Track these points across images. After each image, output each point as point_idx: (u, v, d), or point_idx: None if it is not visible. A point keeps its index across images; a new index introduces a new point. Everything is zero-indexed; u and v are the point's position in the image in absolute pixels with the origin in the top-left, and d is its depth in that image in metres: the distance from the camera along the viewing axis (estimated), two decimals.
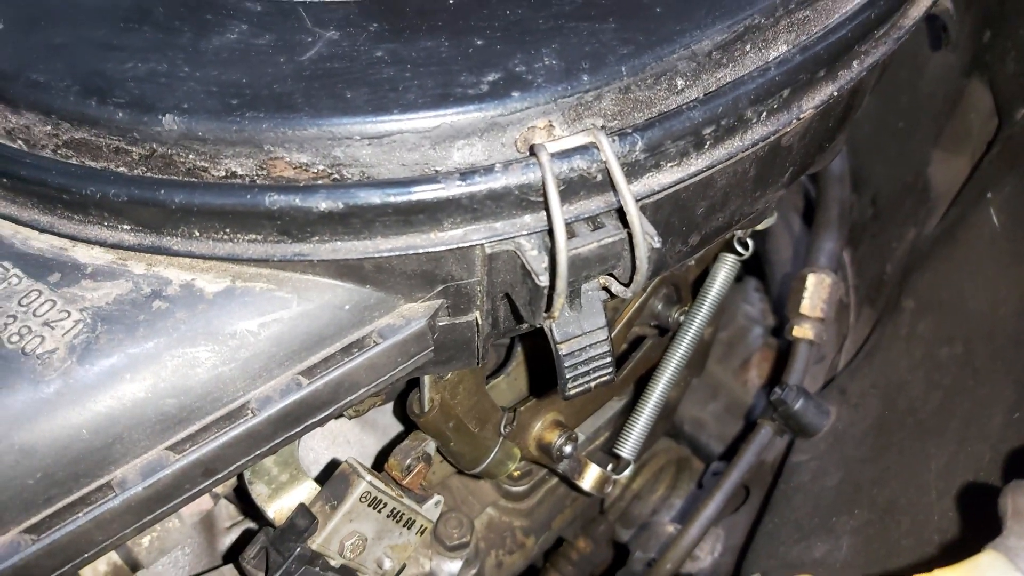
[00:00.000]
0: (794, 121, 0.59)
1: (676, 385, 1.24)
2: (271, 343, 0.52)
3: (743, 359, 1.54)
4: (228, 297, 0.52)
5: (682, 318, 0.96)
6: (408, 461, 0.77)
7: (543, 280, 0.51)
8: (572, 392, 0.61)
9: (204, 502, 0.82)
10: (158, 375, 0.49)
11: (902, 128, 1.26)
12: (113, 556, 0.77)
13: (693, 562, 1.16)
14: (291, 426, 0.54)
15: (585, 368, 0.60)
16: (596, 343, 0.59)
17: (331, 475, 0.75)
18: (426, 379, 0.75)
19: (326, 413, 0.55)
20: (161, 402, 0.49)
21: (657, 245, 0.53)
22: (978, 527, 0.77)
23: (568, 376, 0.60)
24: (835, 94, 0.61)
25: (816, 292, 1.14)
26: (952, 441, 0.87)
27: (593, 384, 0.61)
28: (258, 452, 0.53)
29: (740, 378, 1.53)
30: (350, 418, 0.74)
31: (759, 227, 0.93)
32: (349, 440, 0.92)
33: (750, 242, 0.94)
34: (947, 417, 0.90)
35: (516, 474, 1.04)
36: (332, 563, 0.72)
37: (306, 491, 0.74)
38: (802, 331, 1.14)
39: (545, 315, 0.55)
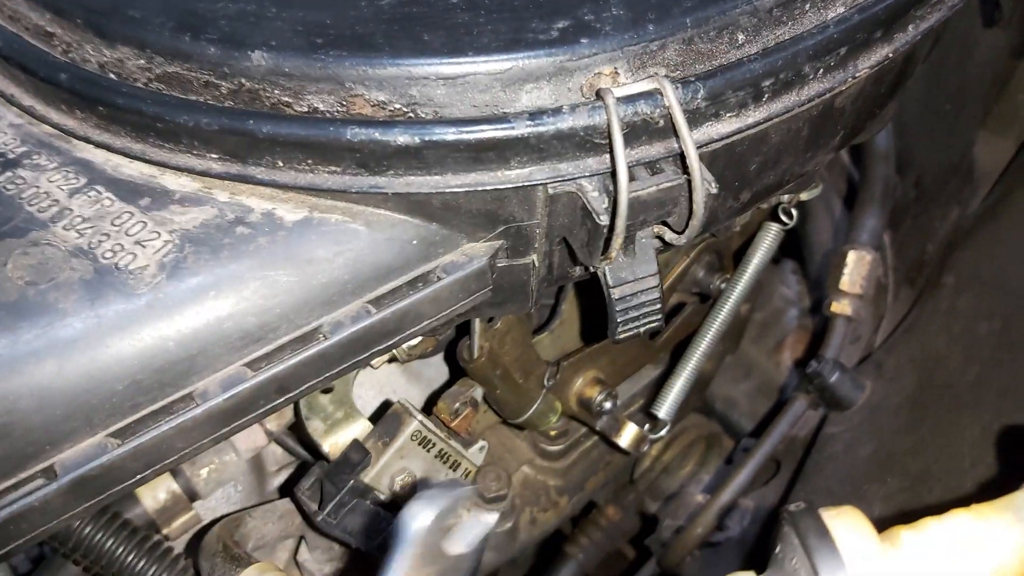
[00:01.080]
0: (849, 80, 0.61)
1: (711, 358, 1.26)
2: (344, 272, 0.55)
3: (777, 340, 1.55)
4: (306, 226, 0.55)
5: (723, 285, 0.98)
6: (456, 405, 0.80)
7: (603, 220, 0.54)
8: (622, 336, 0.63)
9: (259, 439, 0.86)
10: (240, 295, 0.52)
11: (949, 110, 1.26)
12: (173, 485, 0.81)
13: (722, 532, 1.18)
14: (359, 352, 0.57)
15: (635, 313, 0.62)
16: (647, 289, 0.62)
17: (383, 416, 0.78)
18: (476, 327, 0.78)
19: (391, 342, 0.58)
20: (242, 320, 0.53)
21: (714, 191, 0.55)
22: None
23: (619, 320, 0.62)
24: (890, 56, 0.63)
25: (856, 268, 1.16)
26: (987, 413, 0.88)
27: (642, 329, 0.64)
28: (328, 374, 0.57)
29: (774, 359, 1.54)
30: (403, 361, 0.77)
31: (804, 196, 0.95)
32: (396, 390, 0.96)
33: (794, 212, 0.95)
34: (983, 390, 0.91)
35: (553, 433, 1.07)
36: (382, 497, 0.76)
37: (359, 428, 0.78)
38: (840, 307, 1.15)
39: (601, 258, 0.58)
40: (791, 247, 1.57)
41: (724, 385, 1.52)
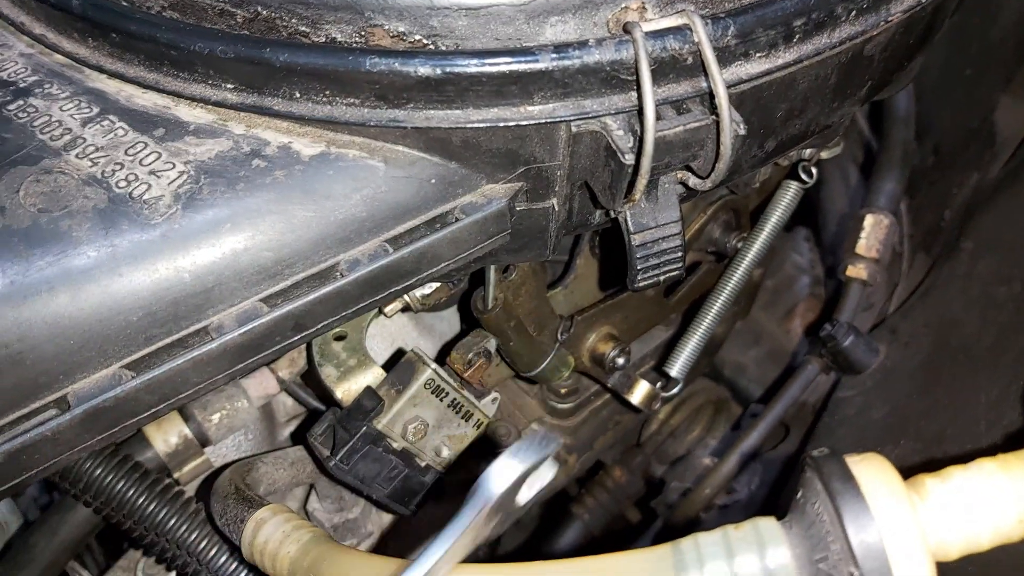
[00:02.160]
0: (881, 24, 0.59)
1: (723, 321, 1.25)
2: (361, 209, 0.54)
3: (788, 307, 1.54)
4: (323, 161, 0.54)
5: (740, 244, 0.97)
6: (470, 355, 0.79)
7: (628, 159, 0.52)
8: (642, 284, 0.62)
9: (270, 386, 0.85)
10: (256, 228, 0.51)
11: (970, 75, 1.24)
12: (185, 430, 0.81)
13: (729, 495, 1.18)
14: (376, 291, 0.56)
15: (656, 260, 0.61)
16: (669, 236, 0.61)
17: (396, 364, 0.77)
18: (492, 277, 0.77)
19: (408, 283, 0.57)
20: (258, 254, 0.52)
21: (743, 132, 0.54)
22: None
23: (639, 267, 0.61)
24: (922, 2, 0.61)
25: (873, 232, 1.14)
26: (1005, 375, 0.87)
27: (662, 278, 0.63)
28: (344, 313, 0.56)
29: (784, 326, 1.53)
30: (416, 311, 0.77)
31: (825, 155, 0.93)
32: (407, 343, 0.95)
33: (814, 171, 0.94)
34: (1000, 352, 0.90)
35: (563, 391, 1.06)
36: (395, 445, 0.75)
37: (372, 376, 0.77)
38: (856, 271, 1.14)
39: (624, 201, 0.57)
40: (805, 214, 1.55)
41: (733, 351, 1.51)
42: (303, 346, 0.88)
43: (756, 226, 0.97)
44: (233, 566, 0.72)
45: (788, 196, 0.96)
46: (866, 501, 0.45)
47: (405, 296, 0.79)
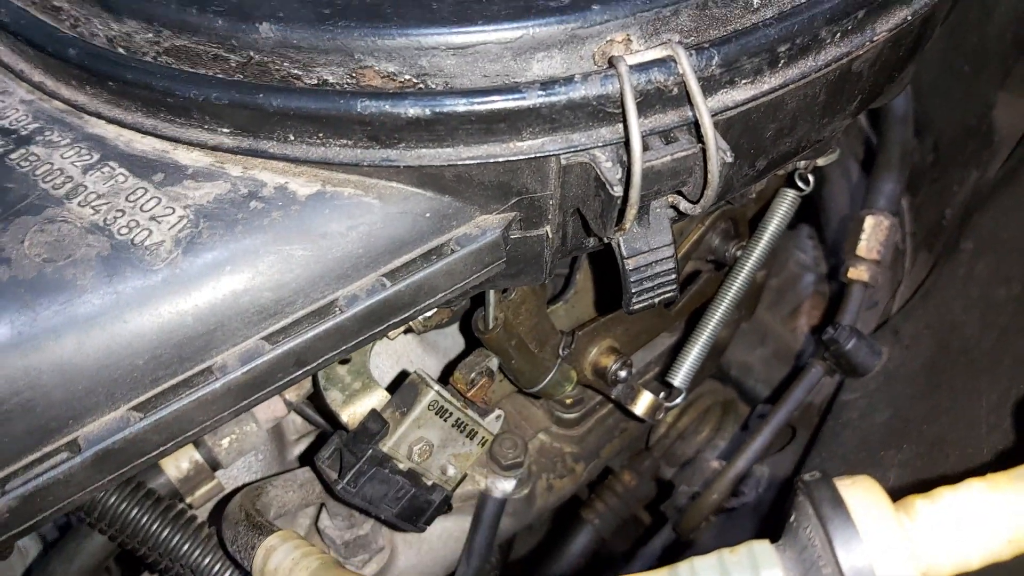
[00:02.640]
0: (867, 43, 0.60)
1: (727, 324, 1.25)
2: (358, 245, 0.55)
3: (793, 306, 1.55)
4: (319, 200, 0.55)
5: (739, 253, 0.98)
6: (472, 375, 0.80)
7: (617, 191, 0.53)
8: (636, 307, 0.63)
9: (278, 409, 0.87)
10: (256, 269, 0.53)
11: (968, 71, 1.24)
12: (195, 455, 0.82)
13: (737, 498, 1.18)
14: (374, 324, 0.57)
15: (650, 284, 0.62)
16: (662, 259, 0.61)
17: (400, 386, 0.79)
18: (491, 298, 0.78)
19: (406, 314, 0.59)
20: (258, 295, 0.53)
21: (729, 160, 0.54)
22: None
23: (633, 291, 0.62)
24: (908, 19, 0.62)
25: (873, 234, 1.15)
26: (1005, 378, 0.87)
27: (657, 300, 0.64)
28: (344, 347, 0.57)
29: (789, 325, 1.54)
30: (419, 333, 0.78)
31: (820, 162, 0.94)
32: (412, 361, 0.96)
33: (811, 178, 0.94)
34: (1001, 355, 0.90)
35: (568, 401, 1.07)
36: (400, 466, 0.76)
37: (377, 399, 0.78)
38: (857, 272, 1.15)
39: (615, 228, 0.58)
40: (808, 212, 1.56)
41: (739, 351, 1.52)
42: None
43: (754, 235, 0.98)
44: None
45: (785, 204, 0.97)
46: (855, 525, 0.45)
47: None
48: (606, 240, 0.61)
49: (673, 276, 0.62)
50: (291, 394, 0.87)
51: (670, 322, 1.01)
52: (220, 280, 0.52)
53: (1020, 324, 0.90)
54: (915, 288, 1.18)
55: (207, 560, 0.74)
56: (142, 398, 0.52)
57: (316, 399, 0.83)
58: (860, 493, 0.47)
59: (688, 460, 1.35)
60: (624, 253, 0.60)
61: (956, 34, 1.22)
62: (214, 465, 0.84)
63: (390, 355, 0.96)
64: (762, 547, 0.49)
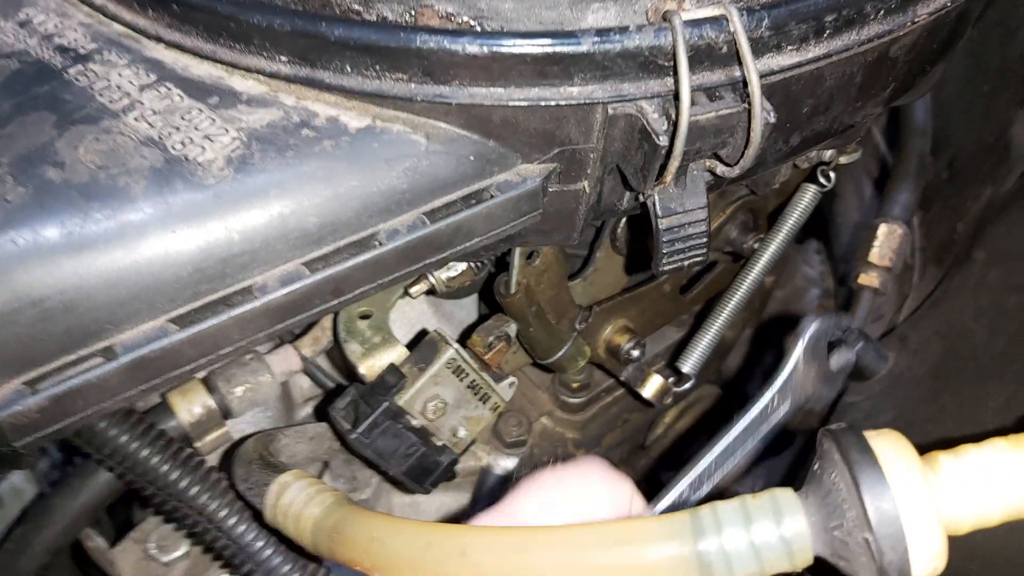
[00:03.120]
0: (908, 24, 0.61)
1: (734, 325, 1.26)
2: (402, 181, 0.56)
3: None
4: (369, 134, 0.56)
5: (757, 245, 0.99)
6: (491, 338, 0.81)
7: (663, 140, 0.54)
8: (666, 268, 0.64)
9: (293, 363, 0.87)
10: (303, 194, 0.54)
11: (988, 90, 1.26)
12: (209, 401, 0.83)
13: None
14: (411, 261, 0.58)
15: (682, 245, 0.63)
16: (695, 222, 0.63)
17: (419, 344, 0.79)
18: (516, 261, 0.79)
19: (442, 255, 0.59)
20: (304, 220, 0.54)
21: (772, 120, 0.56)
22: None
23: (664, 251, 0.63)
24: (948, 5, 0.63)
25: (886, 242, 1.16)
26: (1012, 382, 0.89)
27: (687, 263, 0.65)
28: (380, 281, 0.58)
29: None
30: (441, 294, 0.79)
31: (843, 160, 0.95)
32: (429, 328, 0.97)
33: (832, 175, 0.96)
34: (1009, 360, 0.92)
35: (575, 385, 1.08)
36: (414, 422, 0.77)
37: (396, 354, 0.79)
38: (868, 279, 1.16)
39: (655, 183, 0.59)
40: (817, 227, 1.57)
41: (740, 358, 1.53)
42: (327, 325, 0.90)
43: (774, 227, 0.99)
44: (252, 534, 0.73)
45: (806, 199, 0.98)
46: (882, 471, 0.46)
47: (431, 277, 0.81)
48: (642, 198, 0.62)
49: (704, 239, 0.63)
50: (307, 349, 0.88)
51: (684, 308, 1.02)
52: (268, 201, 0.53)
53: None
54: (921, 301, 1.19)
55: (216, 502, 0.73)
56: (181, 311, 0.53)
57: (335, 352, 0.84)
58: (888, 442, 0.48)
59: (685, 462, 1.35)
60: (659, 212, 0.61)
61: (978, 55, 1.24)
62: (226, 413, 0.84)
63: (405, 323, 0.96)
64: (784, 493, 0.50)
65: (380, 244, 0.56)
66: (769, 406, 0.72)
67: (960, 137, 1.27)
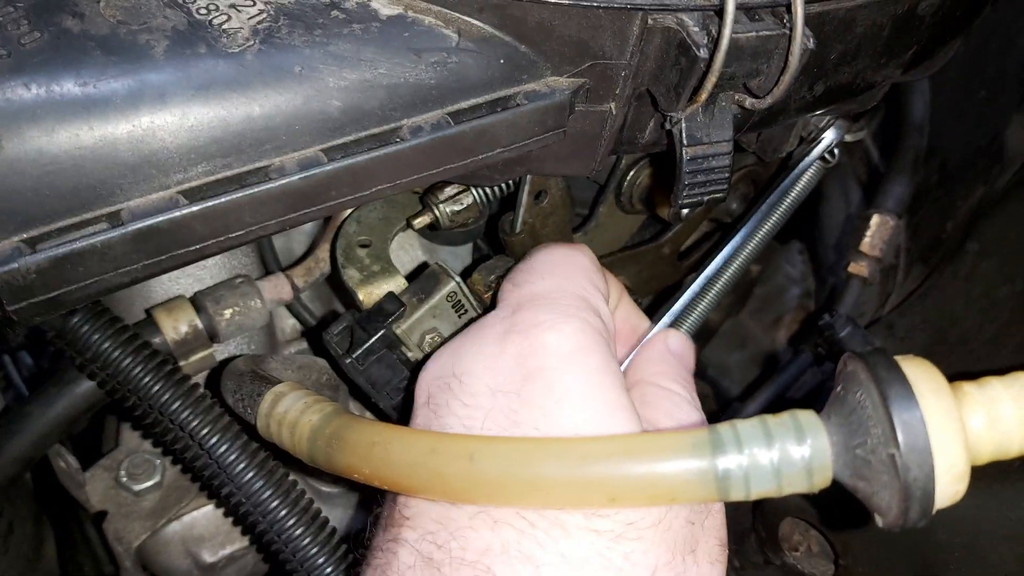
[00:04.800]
0: None
1: (719, 308, 1.26)
2: (430, 75, 0.54)
3: (776, 316, 1.56)
4: (399, 22, 0.54)
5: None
6: (492, 277, 0.79)
7: (703, 53, 0.53)
8: (686, 201, 0.63)
9: (284, 292, 0.85)
10: (328, 76, 0.52)
11: (983, 96, 1.27)
12: (196, 320, 0.80)
13: None
14: (431, 163, 0.56)
15: (703, 178, 0.62)
16: (719, 155, 0.62)
17: (420, 275, 0.77)
18: (524, 200, 0.78)
19: (463, 161, 0.58)
20: (327, 104, 0.52)
21: (811, 46, 0.55)
22: None
23: (686, 182, 0.62)
24: None
25: (878, 232, 1.17)
26: (1004, 365, 0.89)
27: (706, 197, 0.64)
28: (399, 180, 0.56)
29: (770, 334, 1.55)
30: (445, 228, 0.77)
31: (848, 137, 0.95)
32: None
33: (837, 151, 0.96)
34: (1000, 346, 0.92)
35: None
36: (409, 355, 0.75)
37: (395, 284, 0.77)
38: (858, 268, 1.17)
39: (688, 102, 0.58)
40: (801, 228, 1.58)
41: (719, 352, 1.53)
42: (321, 256, 0.87)
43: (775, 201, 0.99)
44: (235, 453, 0.71)
45: (809, 173, 0.98)
46: (912, 389, 0.45)
47: (435, 210, 0.79)
48: (668, 126, 0.61)
49: (726, 175, 0.62)
50: (299, 278, 0.85)
51: (681, 273, 1.01)
52: (292, 79, 0.51)
53: (1020, 318, 0.92)
54: (904, 299, 1.20)
55: (199, 419, 0.71)
56: (194, 183, 0.50)
57: (333, 279, 0.82)
58: (916, 364, 0.47)
59: None
60: (685, 140, 0.60)
61: (976, 61, 1.26)
62: (212, 334, 0.81)
63: (398, 266, 0.94)
64: (806, 414, 0.49)
65: (402, 139, 0.54)
66: None
67: (953, 142, 1.29)
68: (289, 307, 0.92)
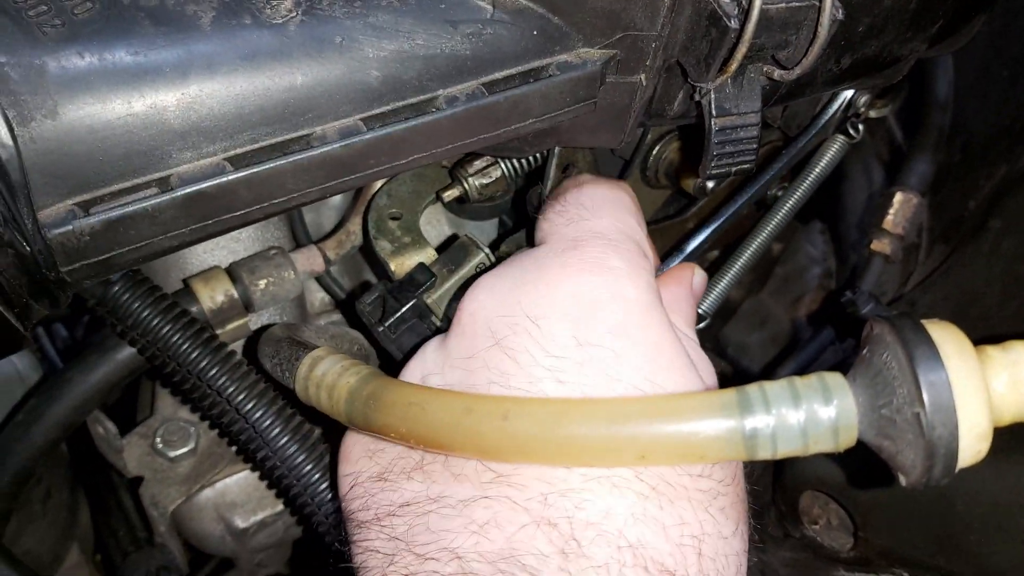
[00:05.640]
0: None
1: (740, 286, 1.27)
2: (466, 46, 0.56)
3: (797, 296, 1.57)
4: None
5: (780, 193, 0.99)
6: (520, 250, 0.81)
7: (734, 23, 0.54)
8: (714, 172, 0.64)
9: (316, 263, 0.87)
10: (368, 46, 0.53)
11: (1007, 76, 1.27)
12: (232, 290, 0.82)
13: None
14: (467, 133, 0.58)
15: (732, 149, 0.63)
16: (748, 126, 0.63)
17: (449, 247, 0.79)
18: (552, 172, 0.79)
19: (497, 132, 0.59)
20: (367, 73, 0.53)
21: (841, 16, 0.56)
22: None
23: (715, 153, 0.63)
24: None
25: (901, 210, 1.18)
26: None
27: (734, 169, 0.65)
28: (435, 149, 0.57)
29: (790, 313, 1.56)
30: (473, 200, 0.78)
31: (873, 114, 0.96)
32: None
33: (861, 127, 0.97)
34: (1021, 322, 0.93)
35: None
36: (439, 324, 0.76)
37: (426, 255, 0.79)
38: (880, 245, 1.17)
39: (718, 73, 0.59)
40: (822, 209, 1.59)
41: (739, 331, 1.54)
42: (353, 229, 0.89)
43: (798, 176, 1.00)
44: (270, 419, 0.73)
45: (833, 149, 0.98)
46: (938, 350, 0.47)
47: (464, 183, 0.81)
48: (698, 96, 0.62)
49: (754, 146, 0.63)
50: (331, 251, 0.87)
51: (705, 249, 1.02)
52: (333, 50, 0.52)
53: None
54: (926, 277, 1.20)
55: (235, 384, 0.73)
56: (239, 151, 0.52)
57: (365, 250, 0.83)
58: (942, 327, 0.49)
59: None
60: (714, 112, 0.61)
61: (999, 41, 1.26)
62: (247, 304, 0.83)
63: (429, 240, 0.96)
64: (832, 375, 0.50)
65: (439, 109, 0.56)
66: None
67: (975, 121, 1.29)
68: (319, 280, 0.94)
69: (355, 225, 0.88)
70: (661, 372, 0.53)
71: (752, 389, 0.50)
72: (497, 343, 0.54)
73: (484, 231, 1.00)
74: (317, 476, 0.73)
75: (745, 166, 0.65)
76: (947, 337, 0.48)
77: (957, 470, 0.47)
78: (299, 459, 0.73)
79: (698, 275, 0.71)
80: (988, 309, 0.99)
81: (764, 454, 0.50)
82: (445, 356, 0.58)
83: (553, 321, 0.54)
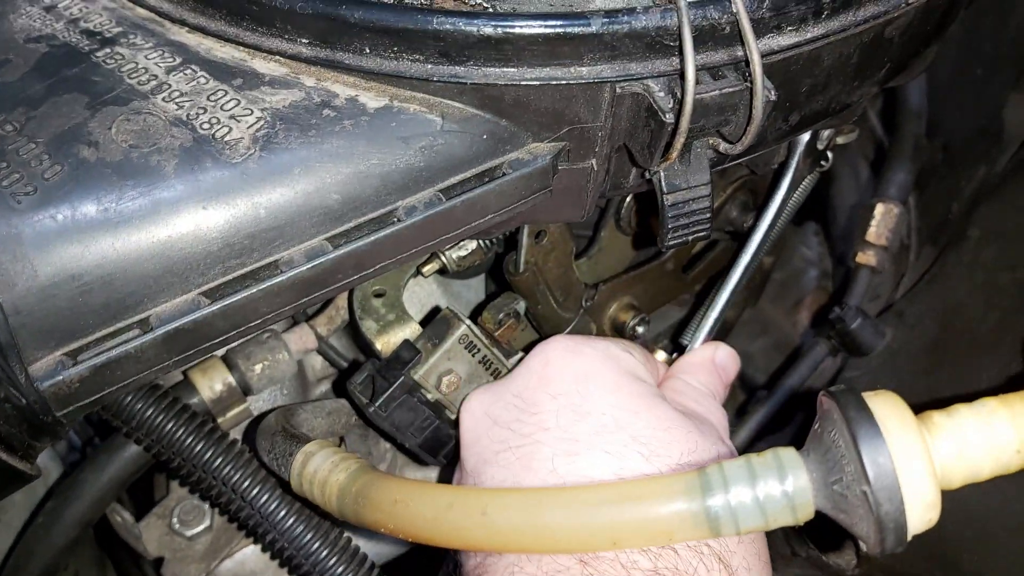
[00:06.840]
0: (903, 5, 0.64)
1: (734, 305, 1.29)
2: (419, 159, 0.59)
3: (796, 300, 1.58)
4: (387, 113, 0.58)
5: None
6: (501, 315, 0.84)
7: (669, 118, 0.57)
8: (672, 243, 0.67)
9: (309, 342, 0.90)
10: (326, 172, 0.56)
11: (981, 74, 1.28)
12: (229, 378, 0.85)
13: None
14: (429, 237, 0.61)
15: (686, 220, 0.66)
16: (699, 198, 0.65)
17: (432, 321, 0.82)
18: (524, 241, 0.82)
19: (458, 231, 0.62)
20: (326, 196, 0.56)
21: (773, 98, 0.58)
22: None
23: (670, 226, 0.66)
24: None
25: (883, 221, 1.19)
26: (1006, 354, 0.91)
27: (691, 238, 0.67)
28: (399, 256, 0.60)
29: (791, 318, 1.57)
30: (452, 273, 0.81)
31: (840, 140, 0.98)
32: (440, 307, 1.00)
33: (830, 155, 0.98)
34: (1003, 334, 0.94)
35: None
36: (428, 396, 0.80)
37: (410, 330, 0.82)
38: (865, 257, 1.19)
39: (660, 160, 0.61)
40: (815, 209, 1.60)
41: (741, 340, 1.55)
42: (341, 304, 0.92)
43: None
44: (275, 503, 0.76)
45: (805, 180, 1.00)
46: (879, 427, 0.49)
47: (442, 257, 0.84)
48: (648, 175, 0.64)
49: (708, 215, 0.66)
50: (322, 327, 0.91)
51: (686, 286, 1.05)
52: (292, 179, 0.56)
53: (1021, 305, 0.94)
54: (918, 279, 1.22)
55: (240, 473, 0.76)
56: (212, 284, 0.55)
57: (351, 329, 0.87)
58: (884, 401, 0.51)
59: None
60: (664, 188, 0.64)
61: (971, 40, 1.26)
62: (245, 389, 0.86)
63: (416, 303, 0.99)
64: (787, 451, 0.53)
65: (399, 220, 0.59)
66: None
67: (954, 121, 1.30)
68: (318, 350, 0.97)
69: (343, 300, 0.91)
70: (621, 402, 0.64)
71: (712, 469, 0.53)
72: (494, 423, 0.67)
73: (471, 286, 1.03)
74: (324, 553, 0.77)
75: (701, 234, 0.67)
76: (889, 412, 0.50)
77: (910, 538, 0.49)
78: (306, 538, 0.76)
79: (722, 352, 0.76)
80: (971, 322, 1.00)
81: (728, 531, 0.52)
82: None
83: (531, 390, 0.67)
